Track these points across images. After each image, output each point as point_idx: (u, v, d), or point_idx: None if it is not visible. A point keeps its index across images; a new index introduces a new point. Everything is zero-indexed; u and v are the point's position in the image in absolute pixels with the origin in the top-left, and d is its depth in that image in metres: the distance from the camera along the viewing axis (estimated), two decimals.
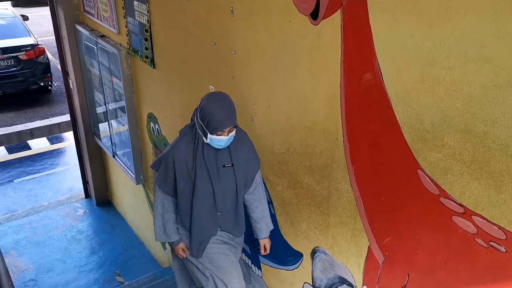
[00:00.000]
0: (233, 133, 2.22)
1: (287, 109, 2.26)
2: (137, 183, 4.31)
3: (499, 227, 1.45)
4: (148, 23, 3.26)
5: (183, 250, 2.54)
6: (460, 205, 1.55)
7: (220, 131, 2.18)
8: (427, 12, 1.47)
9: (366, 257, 2.05)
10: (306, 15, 1.92)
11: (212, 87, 2.79)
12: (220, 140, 2.21)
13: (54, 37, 4.90)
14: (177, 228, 2.51)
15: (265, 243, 2.59)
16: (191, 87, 3.06)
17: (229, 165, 2.33)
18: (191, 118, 2.41)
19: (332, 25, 1.82)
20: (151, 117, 3.82)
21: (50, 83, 8.48)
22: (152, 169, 2.53)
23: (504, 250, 1.45)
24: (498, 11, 1.29)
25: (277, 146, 2.44)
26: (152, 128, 3.87)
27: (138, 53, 3.56)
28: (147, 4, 3.18)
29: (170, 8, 2.99)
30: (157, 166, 2.43)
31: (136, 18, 3.40)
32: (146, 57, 3.43)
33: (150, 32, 3.28)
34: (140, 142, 4.16)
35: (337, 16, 1.79)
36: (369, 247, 2.01)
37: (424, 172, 1.64)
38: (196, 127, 2.30)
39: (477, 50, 1.36)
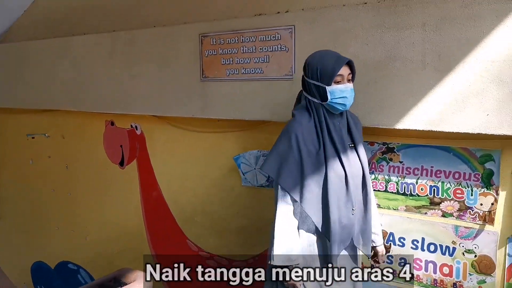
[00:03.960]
0: (351, 85, 1.81)
1: (115, 220, 3.45)
2: None
3: (225, 258, 2.83)
4: None
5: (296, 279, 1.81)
6: (208, 253, 2.92)
7: (337, 74, 1.75)
8: (176, 155, 2.99)
9: None
10: (116, 164, 3.30)
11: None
12: (342, 90, 1.77)
13: None
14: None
15: (383, 250, 2.07)
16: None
17: (351, 145, 1.87)
18: (296, 100, 1.97)
19: (133, 168, 3.22)
20: None
21: None
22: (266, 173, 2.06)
23: None
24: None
25: (110, 245, 3.52)
26: None
27: None
28: None
29: (14, 169, 4.05)
30: (274, 161, 1.84)
31: None
32: None
33: None
34: None
35: (134, 163, 3.21)
36: None
37: (189, 240, 2.99)
38: (307, 100, 1.86)
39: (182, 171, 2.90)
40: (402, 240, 2.21)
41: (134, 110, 2.93)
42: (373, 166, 2.23)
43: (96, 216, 3.52)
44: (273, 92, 2.33)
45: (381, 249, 2.06)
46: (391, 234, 2.23)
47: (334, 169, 1.79)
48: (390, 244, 2.24)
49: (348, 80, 1.80)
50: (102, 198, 3.47)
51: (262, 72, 2.38)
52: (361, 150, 1.88)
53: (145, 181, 3.15)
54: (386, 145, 2.20)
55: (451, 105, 1.88)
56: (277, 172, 1.83)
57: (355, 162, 1.85)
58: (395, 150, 2.18)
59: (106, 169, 3.35)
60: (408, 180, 2.16)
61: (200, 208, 2.90)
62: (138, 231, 3.24)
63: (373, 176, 2.22)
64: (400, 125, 2.00)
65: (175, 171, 2.99)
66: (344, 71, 1.78)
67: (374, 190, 2.23)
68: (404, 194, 2.17)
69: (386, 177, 2.21)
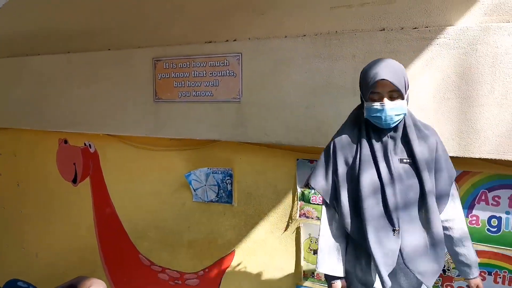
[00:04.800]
0: (398, 102, 1.64)
1: (67, 237, 3.47)
2: None
3: (176, 271, 2.95)
4: None
5: None
6: (160, 266, 3.02)
7: (374, 88, 1.64)
8: (129, 172, 3.10)
9: None
10: (69, 181, 3.36)
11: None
12: (376, 109, 1.65)
13: None
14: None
15: (478, 284, 1.81)
16: None
17: (407, 160, 1.70)
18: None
19: (86, 185, 3.29)
20: None
21: None
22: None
23: (180, 282, 2.94)
24: None
25: (62, 262, 3.53)
26: None
27: None
28: None
29: None
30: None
31: None
32: None
33: None
34: None
35: (87, 180, 3.28)
36: None
37: (141, 255, 3.08)
38: (359, 108, 1.82)
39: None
40: None
41: (88, 129, 3.03)
42: None
43: (47, 233, 3.54)
44: (221, 113, 2.52)
45: (474, 283, 1.80)
46: None
47: (367, 181, 1.69)
48: None
49: (391, 98, 1.65)
50: (54, 215, 3.50)
51: (212, 95, 2.56)
52: (422, 166, 1.68)
53: (98, 198, 3.22)
54: None
55: None
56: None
57: (405, 177, 1.69)
58: None
59: (59, 187, 3.40)
60: None
61: (152, 224, 3.01)
62: (90, 247, 3.29)
63: (312, 191, 2.44)
64: None
65: (128, 188, 3.10)
66: (382, 88, 1.65)
67: (313, 203, 2.45)
68: None
69: None
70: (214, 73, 2.54)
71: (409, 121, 1.73)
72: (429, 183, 1.69)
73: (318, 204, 2.44)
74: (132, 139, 2.99)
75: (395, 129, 1.72)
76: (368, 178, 1.70)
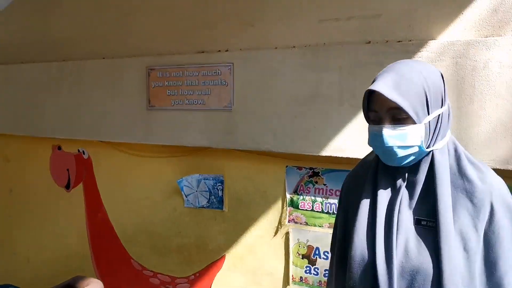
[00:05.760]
0: (402, 128, 1.11)
1: (59, 242, 3.51)
2: None
3: (168, 276, 3.00)
4: None
5: None
6: (151, 271, 3.07)
7: (369, 109, 1.19)
8: (121, 178, 3.15)
9: None
10: (62, 187, 3.40)
11: None
12: (373, 133, 1.18)
13: None
14: None
15: None
16: None
17: (428, 223, 1.11)
18: None
19: (79, 191, 3.33)
20: None
21: None
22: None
23: (171, 287, 2.99)
24: None
25: (54, 267, 3.56)
26: None
27: None
28: None
29: None
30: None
31: None
32: None
33: None
34: None
35: (80, 186, 3.32)
36: None
37: (133, 259, 3.13)
38: None
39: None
40: (326, 253, 2.49)
41: (82, 136, 3.08)
42: (301, 188, 2.52)
43: (39, 238, 3.57)
44: (213, 121, 2.59)
45: None
46: (317, 248, 2.51)
47: (355, 249, 1.16)
48: (316, 257, 2.52)
49: (394, 120, 1.12)
50: (47, 220, 3.53)
51: (204, 103, 2.63)
52: (448, 232, 1.05)
53: (91, 203, 3.27)
54: (312, 170, 2.50)
55: (366, 136, 2.22)
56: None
57: (417, 252, 1.08)
58: (319, 174, 2.49)
59: (52, 192, 3.44)
60: (331, 201, 2.46)
61: (144, 229, 3.07)
62: (82, 252, 3.33)
63: (301, 197, 2.51)
64: (323, 153, 2.31)
65: (120, 194, 3.15)
66: (380, 106, 1.14)
67: (302, 209, 2.53)
68: (327, 212, 2.47)
69: (313, 198, 2.50)
70: (206, 82, 2.62)
71: (443, 157, 1.12)
72: (449, 260, 1.03)
73: (306, 210, 2.52)
74: (125, 146, 3.04)
75: (415, 168, 1.15)
76: (358, 250, 1.16)
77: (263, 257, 2.67)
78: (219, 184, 2.74)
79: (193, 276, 2.89)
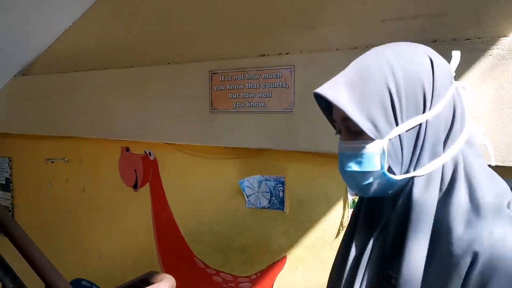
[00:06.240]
0: (357, 144, 0.84)
1: (127, 239, 3.70)
2: None
3: (230, 274, 3.07)
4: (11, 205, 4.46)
5: None
6: (214, 269, 3.16)
7: (332, 118, 0.96)
8: (185, 179, 3.26)
9: None
10: (130, 187, 3.57)
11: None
12: (338, 149, 0.93)
13: None
14: None
15: None
16: None
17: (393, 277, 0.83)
18: None
19: (145, 191, 3.49)
20: None
21: None
22: None
23: (233, 285, 3.06)
24: None
25: (122, 263, 3.75)
26: None
27: None
28: (11, 191, 4.44)
29: (32, 192, 4.33)
30: None
31: None
32: None
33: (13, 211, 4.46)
34: None
35: (147, 186, 3.48)
36: None
37: (197, 258, 3.23)
38: None
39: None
40: None
41: (148, 138, 3.22)
42: None
43: (109, 235, 3.78)
44: (274, 123, 2.63)
45: None
46: None
47: None
48: None
49: (350, 133, 0.88)
50: (116, 219, 3.72)
51: (265, 105, 2.67)
52: None
53: (157, 203, 3.41)
54: None
55: None
56: None
57: None
58: None
59: (121, 192, 3.62)
60: None
61: (207, 228, 3.16)
62: (149, 250, 3.48)
63: None
64: None
65: (184, 194, 3.26)
66: (335, 114, 0.93)
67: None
68: None
69: None
70: (267, 85, 2.66)
71: (427, 190, 0.78)
72: None
73: None
74: (189, 148, 3.15)
75: (395, 202, 0.84)
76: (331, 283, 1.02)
77: (324, 259, 2.66)
78: (280, 185, 2.77)
79: (254, 276, 2.94)
